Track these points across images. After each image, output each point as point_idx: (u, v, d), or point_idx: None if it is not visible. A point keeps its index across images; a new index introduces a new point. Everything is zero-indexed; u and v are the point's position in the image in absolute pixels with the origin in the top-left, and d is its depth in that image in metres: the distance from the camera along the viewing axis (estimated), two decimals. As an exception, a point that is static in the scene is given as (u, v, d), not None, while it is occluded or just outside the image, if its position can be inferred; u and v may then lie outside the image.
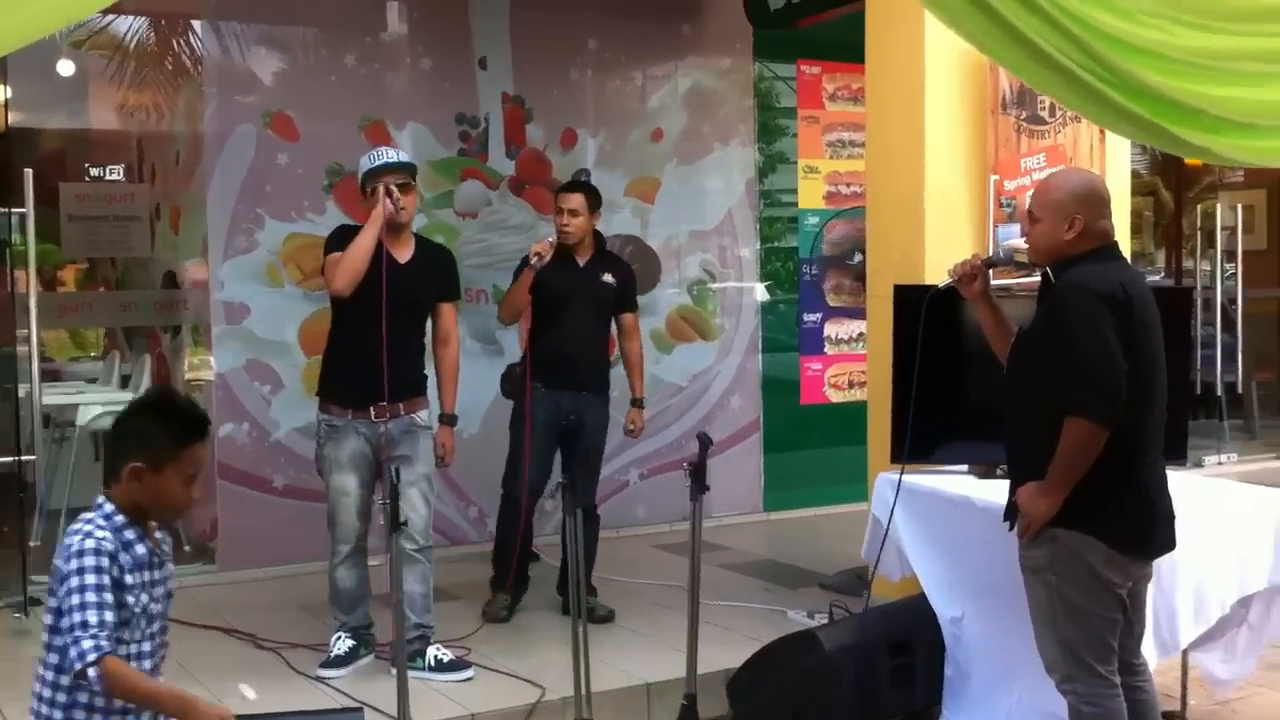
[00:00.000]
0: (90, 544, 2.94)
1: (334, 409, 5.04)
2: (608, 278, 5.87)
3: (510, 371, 5.85)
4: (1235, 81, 4.71)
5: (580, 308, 5.74)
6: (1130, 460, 3.66)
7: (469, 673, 4.99)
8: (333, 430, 5.03)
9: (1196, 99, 4.57)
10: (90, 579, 2.91)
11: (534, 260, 5.59)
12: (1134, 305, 3.61)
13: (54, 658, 2.97)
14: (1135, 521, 3.69)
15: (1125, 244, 6.14)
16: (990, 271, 4.03)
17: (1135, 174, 6.37)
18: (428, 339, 5.29)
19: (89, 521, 3.01)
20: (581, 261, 5.83)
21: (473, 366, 6.38)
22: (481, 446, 6.33)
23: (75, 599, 2.88)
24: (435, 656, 4.99)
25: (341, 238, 5.07)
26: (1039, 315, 3.80)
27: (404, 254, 5.08)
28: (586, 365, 5.77)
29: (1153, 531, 3.76)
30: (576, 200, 5.80)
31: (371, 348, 4.86)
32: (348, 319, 5.04)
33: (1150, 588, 4.43)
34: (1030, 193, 4.10)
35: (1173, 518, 3.82)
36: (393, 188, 4.94)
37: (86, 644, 2.84)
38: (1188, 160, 10.92)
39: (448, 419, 5.22)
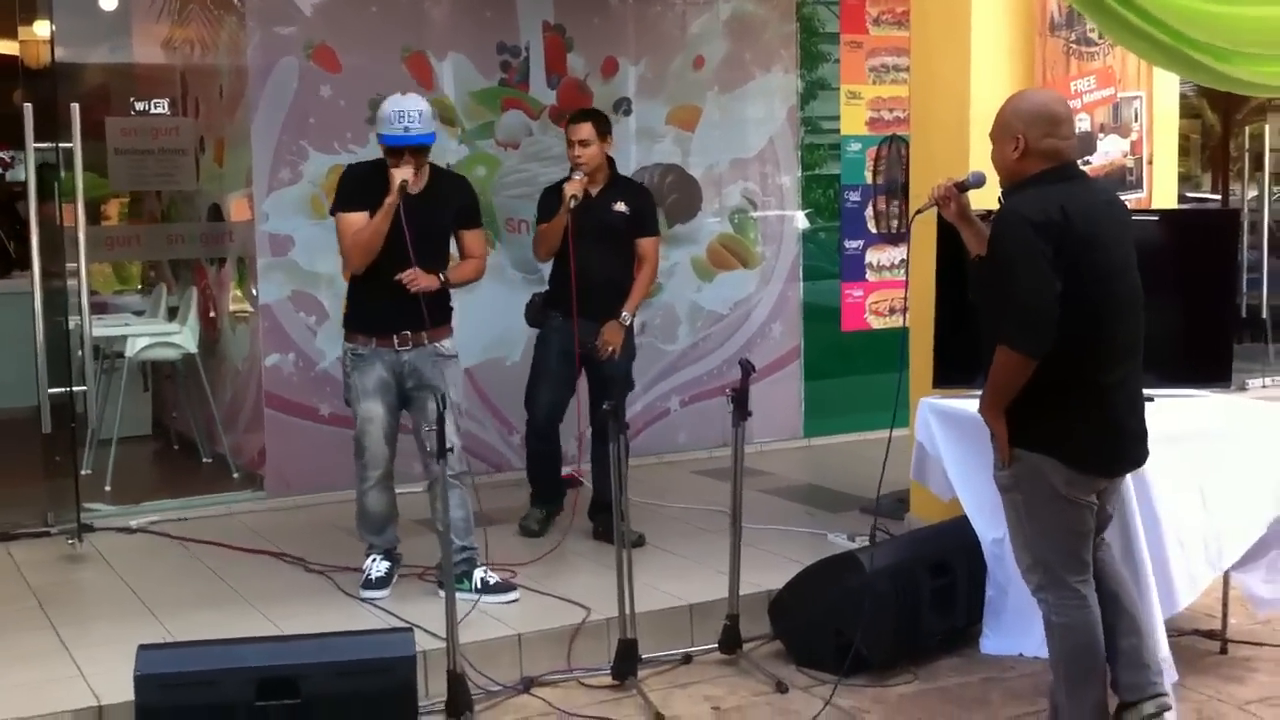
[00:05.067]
0: None
1: (359, 338, 5.13)
2: (620, 206, 5.85)
3: (532, 300, 5.99)
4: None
5: (593, 238, 5.72)
6: (1091, 380, 3.68)
7: (514, 594, 5.08)
8: (359, 359, 5.13)
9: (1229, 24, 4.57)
10: None
11: (571, 201, 5.63)
12: (1073, 225, 3.59)
13: None
14: (1097, 441, 3.72)
15: (1171, 166, 6.11)
16: (965, 194, 4.02)
17: (1182, 96, 6.29)
18: None
19: None
20: (594, 191, 5.82)
21: (515, 297, 6.45)
22: (524, 374, 6.37)
23: None
24: (482, 578, 5.08)
25: (352, 187, 5.12)
26: (988, 240, 3.81)
27: (416, 185, 5.08)
28: (600, 295, 5.76)
29: (1117, 450, 3.80)
30: (586, 130, 5.76)
31: (389, 280, 4.99)
32: None
33: (1197, 508, 4.48)
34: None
35: (1143, 435, 3.84)
36: (408, 180, 4.93)
37: None
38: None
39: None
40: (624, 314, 5.82)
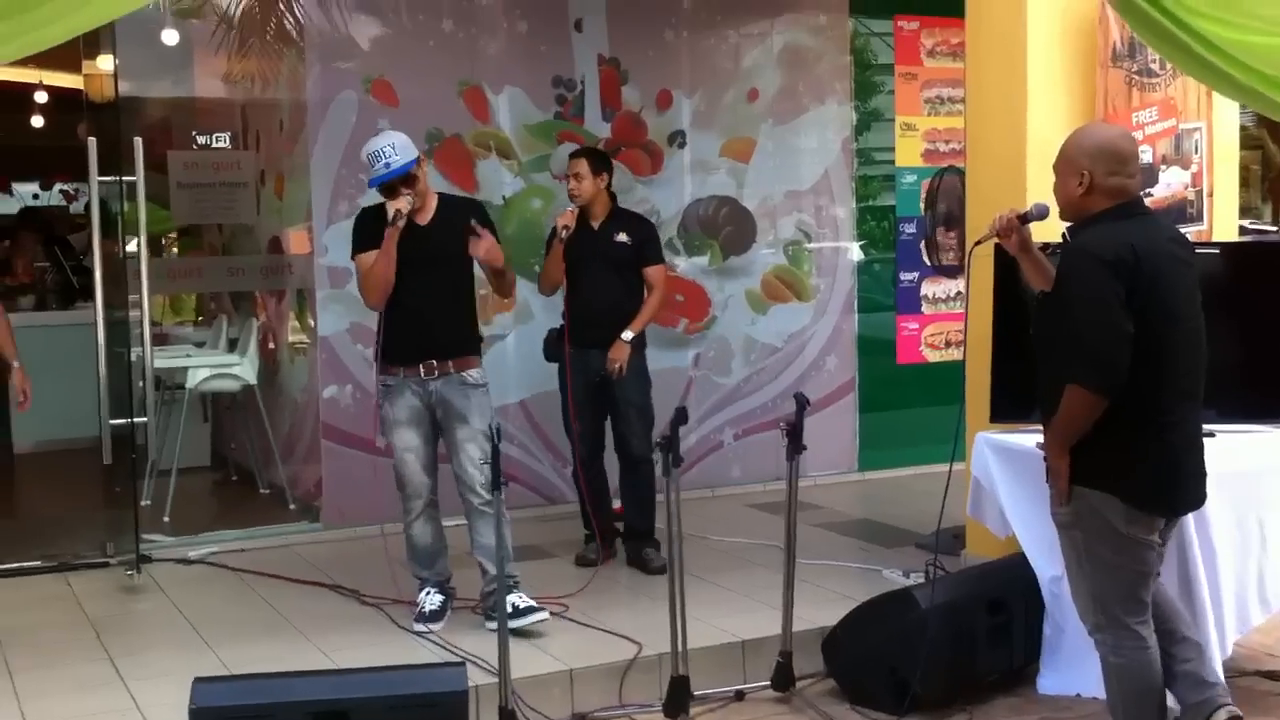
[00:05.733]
0: None
1: (387, 369, 5.19)
2: (622, 237, 6.00)
3: (548, 335, 6.11)
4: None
5: (597, 269, 5.90)
6: (1150, 420, 3.64)
7: (542, 615, 5.07)
8: (388, 390, 5.19)
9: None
10: None
11: (562, 232, 5.83)
12: (1142, 265, 3.56)
13: None
14: (1155, 480, 3.68)
15: (1231, 199, 6.03)
16: (1027, 226, 3.99)
17: (1242, 127, 6.22)
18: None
19: None
20: (596, 224, 6.00)
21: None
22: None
23: None
24: (513, 604, 5.05)
25: (364, 230, 5.21)
26: (1055, 278, 3.78)
27: (424, 216, 5.18)
28: (609, 324, 5.92)
29: (1176, 490, 3.75)
30: (580, 165, 5.99)
31: (411, 310, 5.07)
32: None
33: (1255, 546, 4.42)
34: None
35: (1203, 475, 3.80)
36: (401, 210, 5.01)
37: None
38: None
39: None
40: (626, 333, 5.91)
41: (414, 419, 5.16)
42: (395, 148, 5.05)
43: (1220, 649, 4.31)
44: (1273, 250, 7.08)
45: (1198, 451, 3.78)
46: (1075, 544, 3.79)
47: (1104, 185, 3.68)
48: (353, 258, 5.29)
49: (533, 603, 5.10)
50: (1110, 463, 3.65)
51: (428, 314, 5.08)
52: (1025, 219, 3.98)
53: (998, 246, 5.02)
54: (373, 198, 6.61)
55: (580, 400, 5.99)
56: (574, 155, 6.14)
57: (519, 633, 4.94)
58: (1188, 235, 4.67)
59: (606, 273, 5.93)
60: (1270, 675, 4.85)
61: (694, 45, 7.62)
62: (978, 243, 4.21)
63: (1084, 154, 3.72)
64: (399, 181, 5.05)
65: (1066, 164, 3.77)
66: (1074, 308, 3.61)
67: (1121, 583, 3.74)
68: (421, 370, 5.12)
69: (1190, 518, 4.15)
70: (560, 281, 5.96)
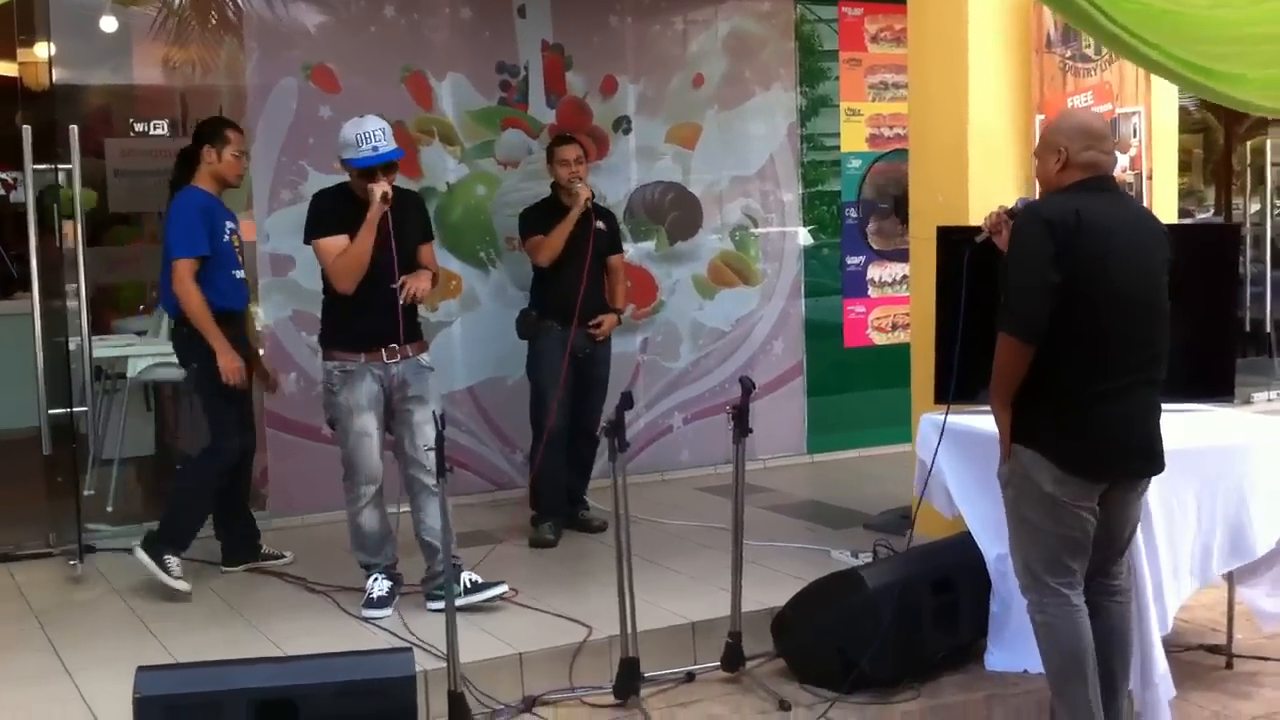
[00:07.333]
0: None
1: (343, 355, 5.16)
2: (600, 225, 6.24)
3: (525, 315, 6.27)
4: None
5: (580, 253, 6.06)
6: (1085, 386, 3.70)
7: (502, 588, 5.12)
8: (346, 375, 5.15)
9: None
10: None
11: (586, 204, 6.04)
12: (1083, 230, 3.66)
13: None
14: (1084, 444, 3.73)
15: (1171, 181, 6.10)
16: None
17: (1185, 111, 6.31)
18: None
19: None
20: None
21: (513, 314, 6.41)
22: (524, 392, 6.39)
23: None
24: (469, 580, 5.11)
25: (327, 213, 5.19)
26: None
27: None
28: (591, 305, 6.18)
29: (1104, 456, 3.77)
30: (577, 150, 6.25)
31: (375, 294, 5.07)
32: None
33: (1192, 524, 4.46)
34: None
35: (1146, 448, 3.83)
36: (389, 191, 5.04)
37: None
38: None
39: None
40: (620, 308, 6.44)
41: (373, 403, 5.15)
42: (384, 134, 5.10)
43: (1160, 625, 4.35)
44: (1212, 231, 7.20)
45: (1142, 425, 3.81)
46: (1009, 502, 3.88)
47: (1078, 160, 3.81)
48: (307, 241, 5.24)
49: (486, 580, 5.13)
50: (1042, 422, 3.74)
51: (392, 299, 5.09)
52: (1014, 214, 4.08)
53: (941, 231, 5.11)
54: (315, 183, 6.60)
55: (559, 375, 6.10)
56: (566, 142, 6.31)
57: (477, 608, 5.01)
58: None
59: (591, 258, 6.11)
60: (1213, 649, 4.92)
61: (639, 31, 7.61)
62: (974, 244, 4.24)
63: (1060, 134, 3.86)
64: (380, 168, 5.06)
65: (1044, 146, 3.91)
66: (1009, 263, 3.77)
67: (1045, 545, 3.80)
68: (384, 354, 5.11)
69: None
70: (559, 253, 6.09)
